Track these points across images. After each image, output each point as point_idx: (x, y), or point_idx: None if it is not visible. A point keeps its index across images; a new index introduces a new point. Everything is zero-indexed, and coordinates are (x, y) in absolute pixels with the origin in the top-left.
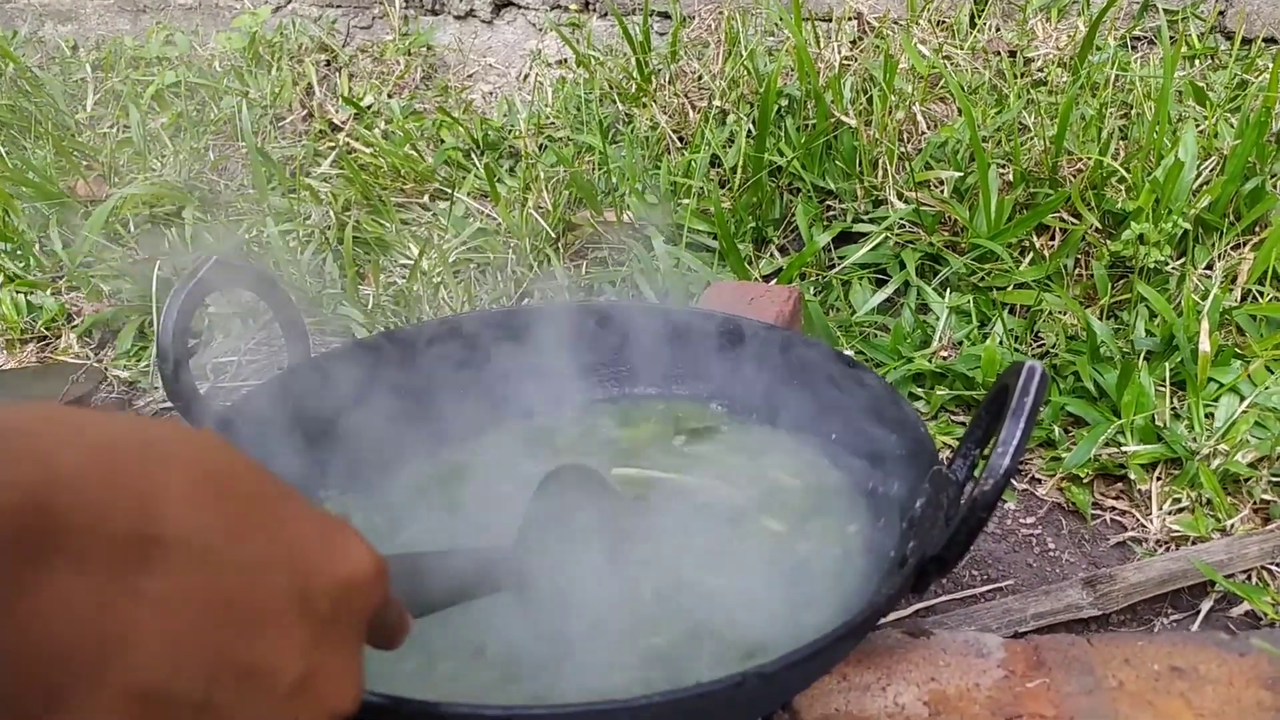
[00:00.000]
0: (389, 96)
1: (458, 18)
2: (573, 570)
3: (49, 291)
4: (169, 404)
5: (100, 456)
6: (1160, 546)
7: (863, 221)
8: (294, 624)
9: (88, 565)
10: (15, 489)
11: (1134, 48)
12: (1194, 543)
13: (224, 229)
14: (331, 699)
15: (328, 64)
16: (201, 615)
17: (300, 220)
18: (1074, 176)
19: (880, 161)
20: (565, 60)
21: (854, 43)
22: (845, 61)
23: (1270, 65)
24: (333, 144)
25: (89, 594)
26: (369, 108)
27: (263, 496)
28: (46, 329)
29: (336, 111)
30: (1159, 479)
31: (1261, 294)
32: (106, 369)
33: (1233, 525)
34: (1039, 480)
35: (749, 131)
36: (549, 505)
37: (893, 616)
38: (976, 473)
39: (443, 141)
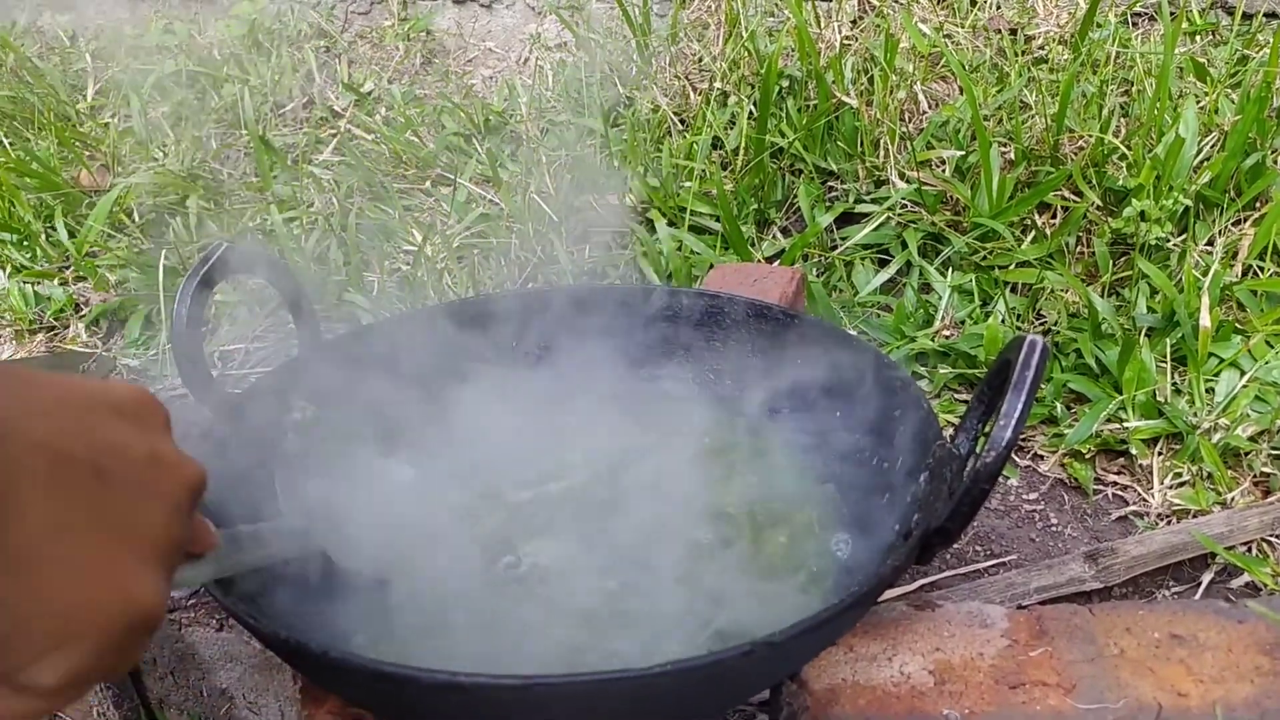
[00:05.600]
0: (389, 82)
1: (456, 2)
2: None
3: (56, 282)
4: (182, 390)
5: None
6: (1161, 520)
7: (865, 202)
8: (119, 418)
9: None
10: None
11: (1135, 24)
12: (1195, 516)
13: (228, 217)
14: (184, 468)
15: (327, 50)
16: (60, 406)
17: (303, 208)
18: (1075, 154)
19: (882, 141)
20: (565, 43)
21: (854, 22)
22: (846, 41)
23: (1271, 40)
24: (334, 131)
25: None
26: (369, 94)
27: (30, 369)
28: (55, 319)
29: (337, 98)
30: (1160, 454)
31: (1262, 269)
32: (116, 358)
33: (1233, 498)
34: (1041, 457)
35: (750, 113)
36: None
37: (899, 591)
38: (979, 447)
39: (444, 127)
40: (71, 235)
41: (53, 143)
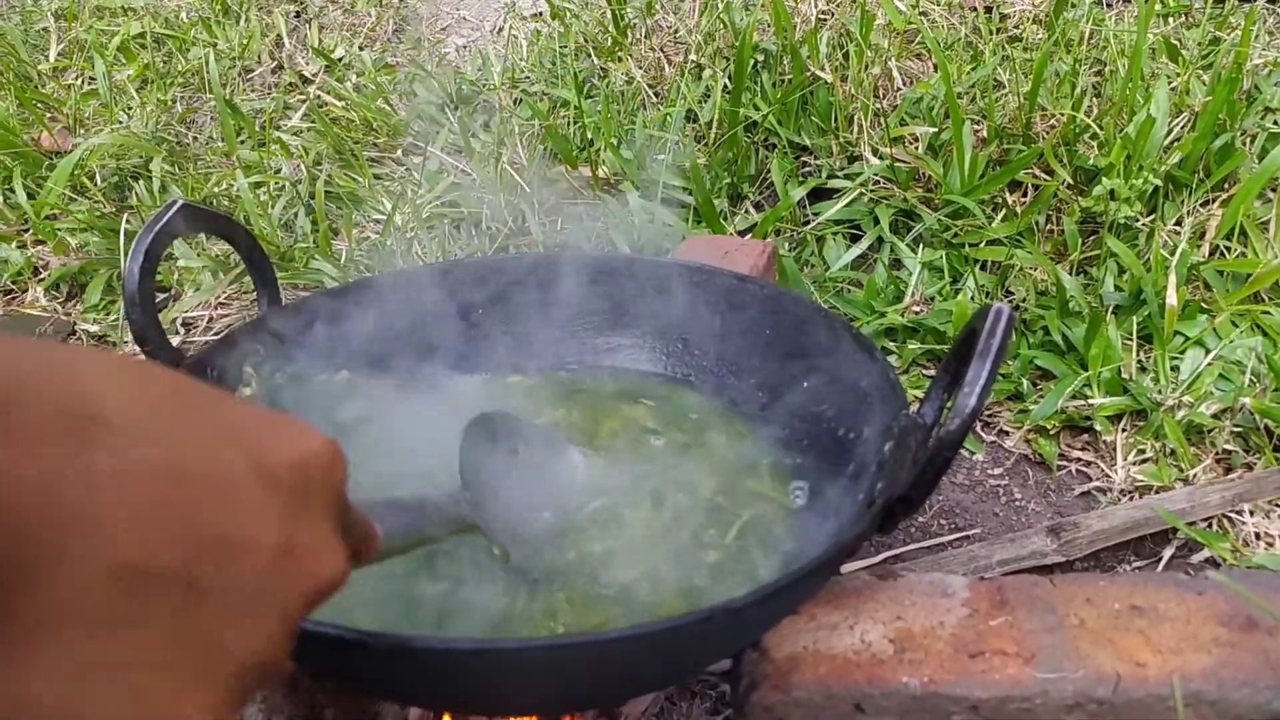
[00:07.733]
0: (360, 49)
1: None
2: (525, 499)
3: (14, 245)
4: (139, 351)
5: (29, 354)
6: (1124, 496)
7: (837, 177)
8: (261, 495)
9: (27, 442)
10: None
11: (1109, 4)
12: (1157, 492)
13: (193, 182)
14: (316, 568)
15: (297, 15)
16: (162, 487)
17: (271, 174)
18: (1047, 133)
19: (856, 117)
20: (540, 13)
21: None
22: (822, 16)
23: (1243, 23)
24: (303, 97)
25: (35, 470)
26: (340, 60)
27: (194, 389)
28: (13, 282)
29: (307, 64)
30: (1124, 430)
31: (1229, 249)
32: (75, 322)
33: (1195, 475)
34: (1007, 432)
35: (725, 86)
36: (480, 447)
37: (862, 563)
38: (943, 417)
39: (415, 95)
40: (31, 197)
41: (12, 103)
